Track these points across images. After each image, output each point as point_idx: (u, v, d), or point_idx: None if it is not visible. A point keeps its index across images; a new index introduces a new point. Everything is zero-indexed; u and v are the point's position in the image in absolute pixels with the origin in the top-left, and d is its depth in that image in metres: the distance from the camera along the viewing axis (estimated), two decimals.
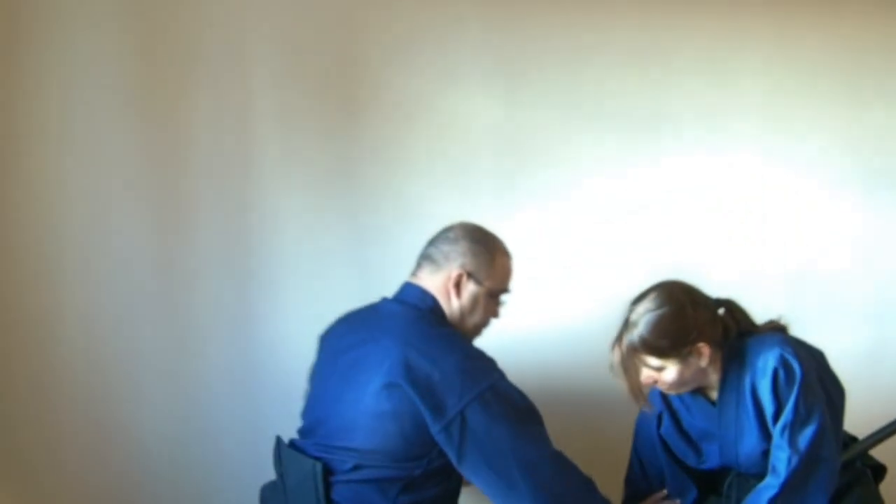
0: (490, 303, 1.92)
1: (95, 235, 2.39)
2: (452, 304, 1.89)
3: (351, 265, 2.53)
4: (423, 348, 1.76)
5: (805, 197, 2.66)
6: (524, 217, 2.52)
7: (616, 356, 1.84)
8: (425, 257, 1.94)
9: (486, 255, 1.90)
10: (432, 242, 1.95)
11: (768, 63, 2.64)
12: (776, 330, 1.92)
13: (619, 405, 2.16)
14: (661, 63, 2.61)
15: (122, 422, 2.45)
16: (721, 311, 1.90)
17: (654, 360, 1.81)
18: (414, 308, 1.88)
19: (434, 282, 1.90)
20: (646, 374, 1.84)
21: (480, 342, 1.96)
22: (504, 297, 1.96)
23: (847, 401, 1.94)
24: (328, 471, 1.80)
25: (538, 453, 1.74)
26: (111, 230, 2.40)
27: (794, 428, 1.78)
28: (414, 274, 1.94)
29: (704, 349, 1.82)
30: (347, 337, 1.92)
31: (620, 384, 1.86)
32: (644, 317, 1.81)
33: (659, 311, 1.80)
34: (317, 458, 1.82)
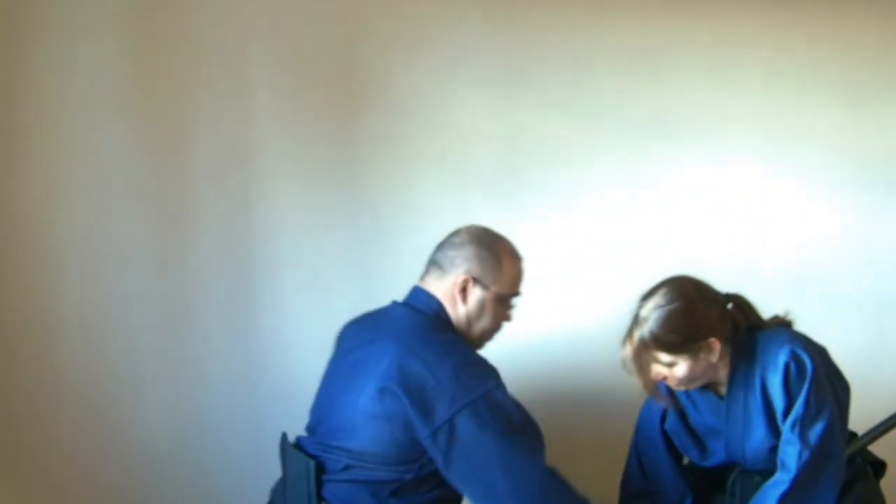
0: (499, 307, 1.89)
1: (96, 235, 2.39)
2: (459, 310, 1.87)
3: (351, 266, 2.53)
4: (421, 353, 1.75)
5: (804, 197, 2.66)
6: (525, 218, 2.52)
7: (627, 352, 1.82)
8: (432, 262, 1.92)
9: (493, 259, 1.87)
10: (440, 247, 1.93)
11: (768, 65, 2.63)
12: (783, 325, 1.92)
13: (618, 406, 2.18)
14: (661, 64, 2.60)
15: (123, 422, 2.45)
16: (729, 305, 1.89)
17: (664, 356, 1.80)
18: (419, 313, 1.87)
19: (440, 287, 1.88)
20: (656, 371, 1.83)
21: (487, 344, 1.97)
22: (515, 301, 1.93)
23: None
24: (321, 469, 1.81)
25: (528, 467, 1.70)
26: (112, 230, 2.40)
27: (804, 423, 1.78)
28: (422, 278, 1.93)
29: (715, 344, 1.81)
30: (356, 338, 1.92)
31: (633, 380, 1.85)
32: (654, 312, 1.79)
33: (669, 307, 1.79)
34: (314, 456, 1.83)
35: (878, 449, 2.05)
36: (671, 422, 1.98)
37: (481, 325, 1.89)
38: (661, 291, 1.83)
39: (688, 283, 1.85)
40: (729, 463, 1.95)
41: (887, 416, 2.10)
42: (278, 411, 2.41)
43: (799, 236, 2.64)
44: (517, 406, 1.75)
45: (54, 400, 2.39)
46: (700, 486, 2.02)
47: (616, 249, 2.59)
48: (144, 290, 2.43)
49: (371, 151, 2.53)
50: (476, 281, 1.85)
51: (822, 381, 1.81)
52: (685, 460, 2.05)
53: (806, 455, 1.77)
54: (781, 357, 1.81)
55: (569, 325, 2.52)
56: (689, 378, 1.83)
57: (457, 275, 1.86)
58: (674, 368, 1.81)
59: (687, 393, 1.93)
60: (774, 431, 1.84)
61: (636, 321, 1.82)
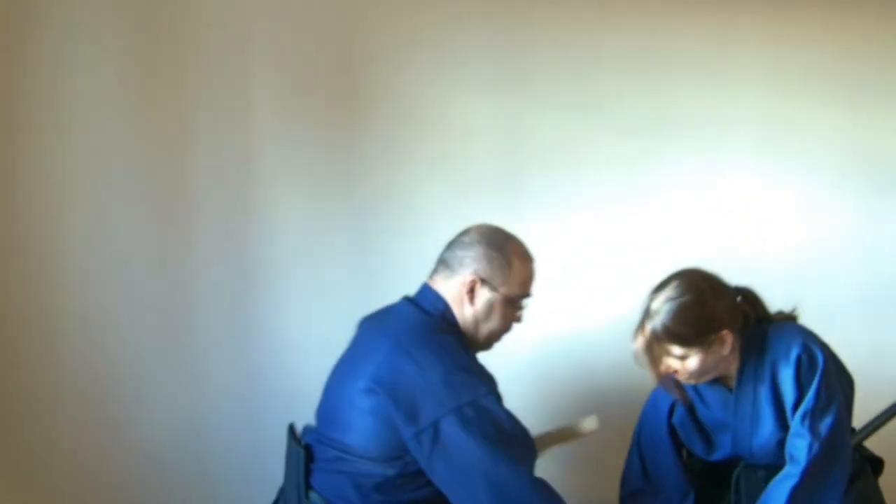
0: (508, 309, 1.86)
1: (97, 236, 2.39)
2: (466, 311, 1.85)
3: (352, 265, 2.53)
4: (415, 354, 1.74)
5: (805, 198, 2.66)
6: (525, 218, 2.49)
7: (639, 345, 1.81)
8: (441, 261, 1.90)
9: (502, 260, 1.84)
10: (449, 246, 1.90)
11: (768, 66, 2.63)
12: (790, 320, 1.93)
13: (618, 407, 2.18)
14: (662, 65, 2.60)
15: (124, 421, 2.45)
16: (738, 299, 1.89)
17: (677, 349, 1.79)
18: (424, 312, 1.85)
19: (448, 287, 1.86)
20: (667, 364, 1.82)
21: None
22: (525, 303, 1.90)
23: None
24: (310, 458, 1.84)
25: (512, 477, 1.67)
26: (112, 230, 2.40)
27: (814, 415, 1.79)
28: (431, 276, 1.91)
29: (727, 337, 1.81)
30: (364, 332, 1.93)
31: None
32: (666, 305, 1.79)
33: (681, 300, 1.79)
34: (308, 446, 1.85)
35: (875, 447, 2.05)
36: (679, 415, 1.97)
37: (489, 327, 1.86)
38: (673, 284, 1.82)
39: (699, 276, 1.84)
40: (734, 457, 1.94)
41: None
42: (279, 411, 2.40)
43: (799, 236, 2.64)
44: (508, 415, 1.72)
45: (55, 400, 2.39)
46: (703, 481, 2.00)
47: (616, 250, 2.59)
48: (145, 291, 2.43)
49: (371, 152, 2.53)
50: (484, 282, 1.83)
51: (831, 374, 1.82)
52: (685, 456, 2.05)
53: (816, 447, 1.77)
54: (794, 350, 1.82)
55: (568, 326, 2.52)
56: (701, 371, 1.82)
57: (465, 275, 1.84)
58: (686, 361, 1.80)
59: (695, 386, 1.93)
60: (783, 425, 1.84)
61: (647, 314, 1.81)
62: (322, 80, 2.49)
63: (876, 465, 2.01)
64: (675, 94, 2.61)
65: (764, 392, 1.85)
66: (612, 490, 2.09)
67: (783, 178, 2.65)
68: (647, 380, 1.95)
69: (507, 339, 1.98)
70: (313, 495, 1.82)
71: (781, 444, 1.84)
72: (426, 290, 1.89)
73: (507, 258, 1.84)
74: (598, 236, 2.58)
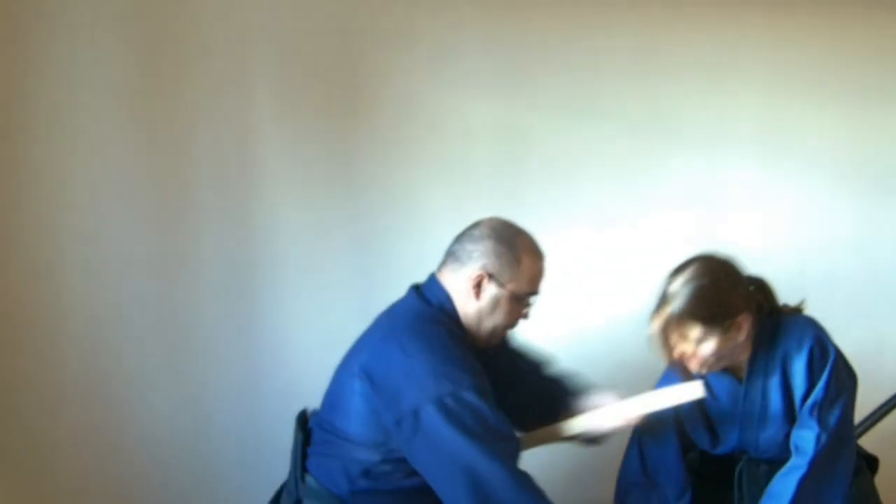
0: (514, 306, 1.82)
1: (97, 236, 2.39)
2: (470, 305, 1.81)
3: (351, 265, 2.53)
4: (404, 341, 1.73)
5: (805, 199, 2.67)
6: (524, 219, 2.49)
7: (655, 327, 1.78)
8: (450, 253, 1.85)
9: (510, 255, 1.79)
10: (458, 238, 1.86)
11: (768, 67, 2.64)
12: (797, 313, 1.92)
13: None
14: (661, 65, 2.61)
15: (125, 422, 2.45)
16: (751, 288, 1.87)
17: (694, 332, 1.75)
18: (424, 302, 1.83)
19: (455, 280, 1.82)
20: (682, 349, 1.78)
21: None
22: (532, 300, 1.86)
23: None
24: (308, 441, 1.85)
25: (491, 470, 1.63)
26: (113, 231, 2.40)
27: (823, 407, 1.78)
28: (439, 268, 1.87)
29: (744, 323, 1.78)
30: (374, 321, 1.92)
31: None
32: (685, 288, 1.76)
33: (700, 282, 1.76)
34: (310, 430, 1.86)
35: (870, 446, 2.04)
36: (685, 407, 1.92)
37: (492, 322, 1.82)
38: (692, 267, 1.79)
39: (717, 261, 1.82)
40: (737, 450, 1.92)
41: (888, 416, 2.11)
42: (280, 410, 2.40)
43: (799, 236, 2.65)
44: (491, 410, 1.68)
45: (56, 400, 2.39)
46: (703, 475, 1.97)
47: (616, 250, 2.59)
48: (145, 291, 2.44)
49: (371, 153, 2.53)
50: (492, 277, 1.79)
51: (841, 367, 1.82)
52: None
53: (824, 439, 1.76)
54: (806, 341, 1.81)
55: (567, 327, 2.51)
56: (715, 357, 1.78)
57: (473, 269, 1.80)
58: (701, 346, 1.76)
59: (704, 377, 1.89)
60: (791, 418, 1.83)
61: (665, 297, 1.78)
62: (322, 80, 2.49)
63: (871, 463, 2.01)
64: (675, 94, 2.61)
65: (774, 384, 1.83)
66: (608, 491, 2.07)
67: (783, 179, 2.65)
68: (647, 380, 1.96)
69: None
70: (309, 478, 1.82)
71: (788, 437, 1.83)
72: (432, 280, 1.86)
73: (517, 254, 1.80)
74: (598, 236, 2.58)
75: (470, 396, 1.65)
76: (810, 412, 1.78)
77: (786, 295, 1.98)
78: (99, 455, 2.43)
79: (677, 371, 1.86)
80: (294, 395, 2.23)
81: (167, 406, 2.46)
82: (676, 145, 2.63)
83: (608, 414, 1.86)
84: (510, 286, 1.79)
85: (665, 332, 1.77)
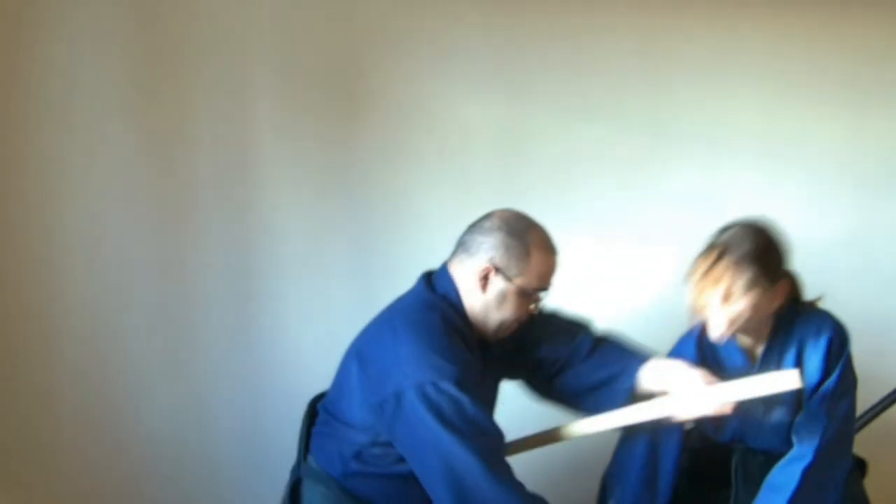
0: (521, 301, 1.80)
1: (97, 237, 2.41)
2: (476, 298, 1.80)
3: (351, 265, 2.54)
4: (397, 326, 1.76)
5: (804, 200, 2.67)
6: None
7: (701, 269, 1.76)
8: (461, 243, 1.84)
9: (520, 249, 1.77)
10: (470, 228, 1.84)
11: (768, 67, 2.65)
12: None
13: None
14: (661, 65, 2.62)
15: (124, 422, 2.46)
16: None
17: (742, 280, 1.75)
18: (429, 289, 1.84)
19: (463, 271, 1.81)
20: (717, 298, 1.75)
21: None
22: (541, 295, 1.83)
23: None
24: (313, 422, 1.90)
25: (467, 462, 1.63)
26: (113, 232, 2.41)
27: (833, 399, 1.80)
28: (450, 258, 1.87)
29: (781, 293, 1.80)
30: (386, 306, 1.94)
31: (691, 300, 1.79)
32: (746, 235, 1.77)
33: (761, 235, 1.79)
34: (317, 412, 1.90)
35: (857, 448, 2.04)
36: None
37: (498, 317, 1.81)
38: (751, 222, 1.81)
39: (773, 227, 1.84)
40: (737, 437, 1.93)
41: (888, 416, 2.11)
42: (280, 409, 2.42)
43: (799, 236, 2.64)
44: (472, 404, 1.67)
45: (55, 401, 2.41)
46: (698, 465, 1.97)
47: (615, 250, 2.60)
48: (146, 291, 2.45)
49: (371, 153, 2.55)
50: (498, 271, 1.78)
51: (852, 362, 1.84)
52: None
53: (832, 430, 1.79)
54: (825, 332, 1.83)
55: None
56: (746, 317, 1.77)
57: (480, 261, 1.78)
58: (739, 299, 1.75)
59: (716, 357, 1.89)
60: (797, 406, 1.84)
61: (719, 242, 1.77)
62: (321, 80, 2.50)
63: (860, 465, 2.03)
64: (675, 94, 2.62)
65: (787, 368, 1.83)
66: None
67: (783, 178, 2.66)
68: None
69: None
70: (310, 458, 1.88)
71: (789, 427, 1.84)
72: (443, 269, 1.86)
73: (527, 248, 1.78)
74: (598, 236, 2.59)
75: (449, 387, 1.66)
76: (820, 403, 1.80)
77: None
78: (99, 455, 2.44)
79: (700, 321, 1.83)
80: (294, 394, 2.24)
81: (167, 405, 2.47)
82: (676, 145, 2.64)
83: (695, 399, 1.75)
84: (518, 281, 1.78)
85: (709, 275, 1.75)
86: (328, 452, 1.85)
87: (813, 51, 2.65)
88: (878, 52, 2.66)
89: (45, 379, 2.41)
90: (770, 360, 1.87)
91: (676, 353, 1.93)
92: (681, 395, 1.77)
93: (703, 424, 1.93)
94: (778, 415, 1.87)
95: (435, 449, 1.65)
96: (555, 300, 2.49)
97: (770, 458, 1.86)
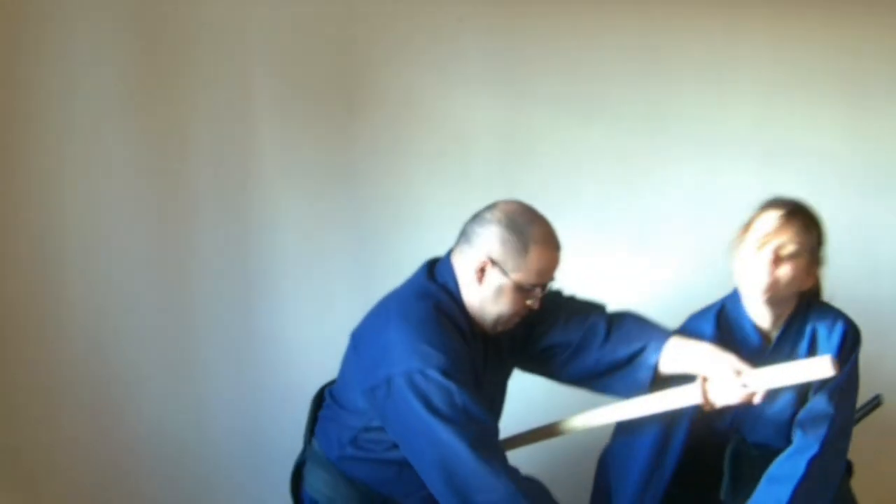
0: (518, 296, 1.77)
1: (97, 238, 2.41)
2: (473, 290, 1.79)
3: (350, 265, 2.54)
4: (392, 315, 1.77)
5: (804, 198, 2.66)
6: None
7: (774, 216, 1.80)
8: (463, 233, 1.82)
9: (519, 244, 1.74)
10: (473, 218, 1.82)
11: (768, 64, 2.65)
12: None
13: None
14: (661, 65, 2.63)
15: (123, 423, 2.46)
16: None
17: (801, 236, 1.80)
18: (431, 279, 1.83)
19: (462, 262, 1.80)
20: (778, 251, 1.78)
21: None
22: (539, 291, 1.79)
23: None
24: (318, 406, 1.94)
25: (455, 448, 1.63)
26: (113, 232, 2.42)
27: (842, 392, 1.81)
28: (453, 247, 1.85)
29: (815, 276, 1.85)
30: None
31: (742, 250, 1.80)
32: (810, 206, 1.83)
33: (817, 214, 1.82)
34: (324, 397, 1.93)
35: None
36: None
37: (495, 310, 1.79)
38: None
39: None
40: (735, 423, 1.92)
41: (888, 416, 2.10)
42: (279, 409, 2.42)
43: None
44: (461, 392, 1.66)
45: (54, 401, 2.41)
46: (692, 458, 1.94)
47: (615, 250, 2.59)
48: (145, 291, 2.45)
49: (370, 153, 2.55)
50: (495, 264, 1.75)
51: (858, 362, 1.85)
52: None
53: (838, 423, 1.80)
54: (839, 324, 1.86)
55: None
56: (786, 281, 1.79)
57: (478, 254, 1.77)
58: (790, 259, 1.79)
59: (733, 338, 1.89)
60: (801, 398, 1.85)
61: (785, 201, 1.84)
62: (321, 80, 2.51)
63: (847, 466, 2.03)
64: (674, 93, 2.63)
65: (800, 355, 1.85)
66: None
67: (783, 178, 2.65)
68: None
69: None
70: (314, 441, 1.91)
71: (788, 422, 1.84)
72: (446, 258, 1.86)
73: (525, 243, 1.74)
74: (597, 236, 2.59)
75: (436, 375, 1.66)
76: (830, 395, 1.81)
77: None
78: (99, 455, 2.45)
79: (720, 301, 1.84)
80: (294, 394, 2.24)
81: (167, 405, 2.47)
82: (676, 145, 2.65)
83: (725, 387, 1.72)
84: (514, 276, 1.76)
85: (783, 225, 1.79)
86: (329, 436, 1.88)
87: (813, 51, 2.65)
88: (878, 52, 2.66)
89: (45, 379, 2.40)
90: (784, 346, 1.88)
91: (692, 328, 1.92)
92: (710, 380, 1.74)
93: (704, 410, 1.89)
94: (780, 405, 1.88)
95: (424, 436, 1.66)
96: None
97: (765, 453, 1.87)
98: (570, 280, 2.52)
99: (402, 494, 1.84)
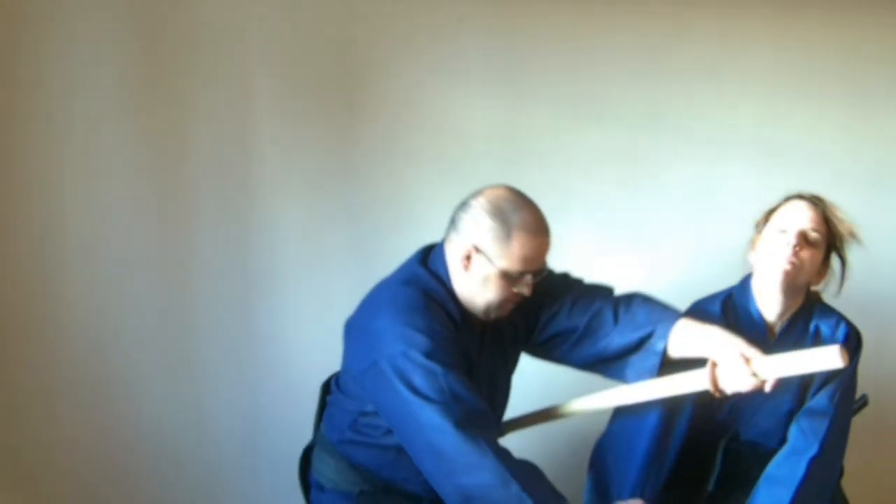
0: (504, 284, 1.74)
1: (97, 238, 2.41)
2: (461, 278, 1.77)
3: (350, 265, 2.54)
4: (381, 300, 1.78)
5: None
6: None
7: (804, 201, 1.85)
8: (451, 220, 1.80)
9: (502, 232, 1.71)
10: (460, 205, 1.80)
11: (768, 64, 2.65)
12: None
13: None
14: (661, 65, 2.63)
15: (123, 422, 2.46)
16: None
17: (824, 228, 1.84)
18: (423, 265, 1.82)
19: (451, 249, 1.78)
20: (794, 235, 1.80)
21: None
22: (528, 279, 1.75)
23: None
24: (327, 392, 1.95)
25: (441, 428, 1.61)
26: (113, 232, 2.41)
27: (842, 392, 1.82)
28: (444, 235, 1.84)
29: (825, 272, 1.87)
30: None
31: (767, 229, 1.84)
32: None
33: None
34: (333, 385, 1.94)
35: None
36: None
37: (484, 298, 1.77)
38: None
39: None
40: (729, 418, 1.93)
41: (887, 415, 2.10)
42: (278, 409, 2.42)
43: None
44: (447, 375, 1.65)
45: (54, 401, 2.41)
46: (684, 455, 1.93)
47: (615, 250, 2.59)
48: (145, 291, 2.45)
49: (370, 153, 2.55)
50: (480, 252, 1.73)
51: (858, 363, 1.86)
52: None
53: (837, 424, 1.80)
54: (843, 325, 1.87)
55: None
56: (804, 266, 1.81)
57: (464, 241, 1.75)
58: (812, 244, 1.82)
59: (738, 326, 1.87)
60: (799, 398, 1.86)
61: (808, 194, 1.87)
62: (321, 80, 2.50)
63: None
64: (674, 94, 2.63)
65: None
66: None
67: (783, 178, 2.64)
68: None
69: None
70: (322, 426, 1.95)
71: (784, 420, 1.85)
72: (440, 245, 1.84)
73: (509, 231, 1.71)
74: (597, 236, 2.59)
75: (418, 356, 1.65)
76: (830, 396, 1.82)
77: None
78: (99, 455, 2.44)
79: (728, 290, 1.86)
80: (293, 395, 2.25)
81: (167, 405, 2.47)
82: (676, 145, 2.65)
83: (735, 373, 1.67)
84: (499, 263, 1.72)
85: (811, 212, 1.83)
86: (332, 420, 1.90)
87: (813, 51, 2.65)
88: (878, 52, 2.66)
89: (45, 379, 2.40)
90: (787, 340, 1.88)
91: (698, 312, 1.91)
92: (719, 366, 1.71)
93: (705, 395, 1.86)
94: (777, 401, 1.88)
95: (411, 417, 1.65)
96: None
97: (757, 452, 1.87)
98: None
99: (402, 479, 1.85)
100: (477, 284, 1.75)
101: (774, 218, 1.86)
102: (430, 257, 1.84)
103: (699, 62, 2.62)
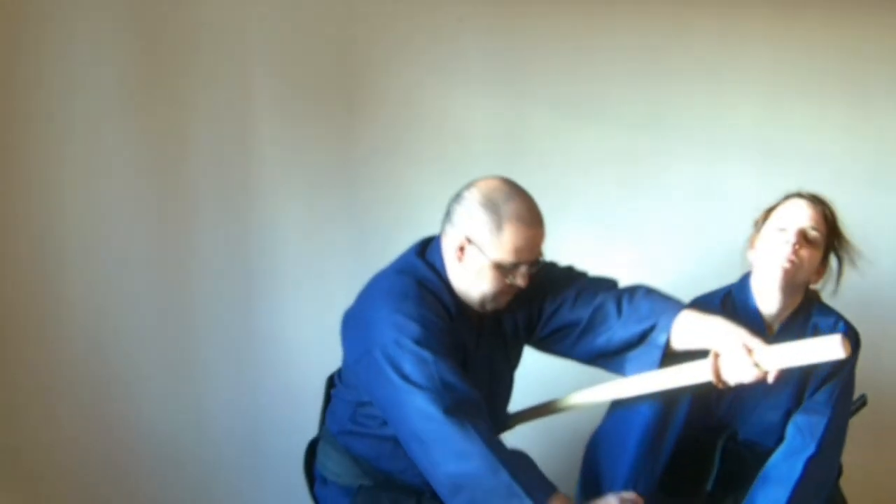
0: (498, 275, 1.73)
1: (97, 237, 2.41)
2: (456, 269, 1.77)
3: (350, 265, 2.54)
4: (376, 290, 1.78)
5: None
6: None
7: (804, 199, 1.86)
8: (447, 212, 1.80)
9: (493, 223, 1.70)
10: (454, 197, 1.79)
11: (768, 64, 2.65)
12: None
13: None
14: (661, 65, 2.63)
15: (123, 422, 2.46)
16: None
17: (823, 227, 1.85)
18: (419, 256, 1.83)
19: (446, 241, 1.78)
20: (795, 232, 1.81)
21: None
22: (523, 270, 1.74)
23: None
24: (331, 385, 1.95)
25: (428, 415, 1.61)
26: (113, 232, 2.42)
27: (840, 392, 1.82)
28: (441, 227, 1.83)
29: (822, 273, 1.87)
30: None
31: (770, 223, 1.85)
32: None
33: None
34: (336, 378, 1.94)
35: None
36: None
37: (479, 289, 1.76)
38: None
39: None
40: (728, 414, 1.93)
41: (887, 415, 2.10)
42: (278, 409, 2.42)
43: None
44: (437, 363, 1.64)
45: (54, 401, 2.41)
46: (680, 454, 1.92)
47: (615, 250, 2.59)
48: (144, 291, 2.45)
49: (370, 153, 2.55)
50: (472, 243, 1.73)
51: (856, 363, 1.86)
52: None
53: (835, 425, 1.80)
54: (841, 328, 1.87)
55: None
56: (803, 263, 1.82)
57: (457, 232, 1.75)
58: (811, 242, 1.83)
59: (737, 323, 1.84)
60: (797, 397, 1.86)
61: (808, 193, 1.88)
62: (321, 81, 2.51)
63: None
64: (675, 94, 2.63)
65: None
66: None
67: (783, 178, 2.64)
68: None
69: None
70: (327, 418, 1.96)
71: (782, 419, 1.85)
72: (438, 237, 1.84)
73: (499, 222, 1.71)
74: (597, 236, 2.59)
75: (410, 344, 1.65)
76: (829, 396, 1.82)
77: None
78: (99, 455, 2.44)
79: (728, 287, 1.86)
80: (293, 395, 2.25)
81: (167, 405, 2.47)
82: (676, 145, 2.65)
83: (737, 363, 1.64)
84: (491, 255, 1.72)
85: (811, 210, 1.84)
86: (334, 412, 1.91)
87: (813, 51, 2.65)
88: (878, 52, 2.66)
89: (45, 379, 2.40)
90: (786, 337, 1.86)
91: (699, 308, 1.88)
92: (721, 357, 1.68)
93: (705, 389, 1.84)
94: (775, 400, 1.88)
95: (401, 404, 1.65)
96: None
97: (756, 452, 1.87)
98: None
99: (400, 470, 1.84)
100: (471, 276, 1.75)
101: (774, 216, 1.86)
102: (427, 249, 1.84)
103: (699, 62, 2.62)
